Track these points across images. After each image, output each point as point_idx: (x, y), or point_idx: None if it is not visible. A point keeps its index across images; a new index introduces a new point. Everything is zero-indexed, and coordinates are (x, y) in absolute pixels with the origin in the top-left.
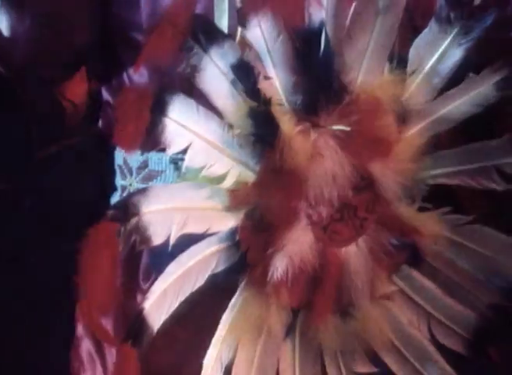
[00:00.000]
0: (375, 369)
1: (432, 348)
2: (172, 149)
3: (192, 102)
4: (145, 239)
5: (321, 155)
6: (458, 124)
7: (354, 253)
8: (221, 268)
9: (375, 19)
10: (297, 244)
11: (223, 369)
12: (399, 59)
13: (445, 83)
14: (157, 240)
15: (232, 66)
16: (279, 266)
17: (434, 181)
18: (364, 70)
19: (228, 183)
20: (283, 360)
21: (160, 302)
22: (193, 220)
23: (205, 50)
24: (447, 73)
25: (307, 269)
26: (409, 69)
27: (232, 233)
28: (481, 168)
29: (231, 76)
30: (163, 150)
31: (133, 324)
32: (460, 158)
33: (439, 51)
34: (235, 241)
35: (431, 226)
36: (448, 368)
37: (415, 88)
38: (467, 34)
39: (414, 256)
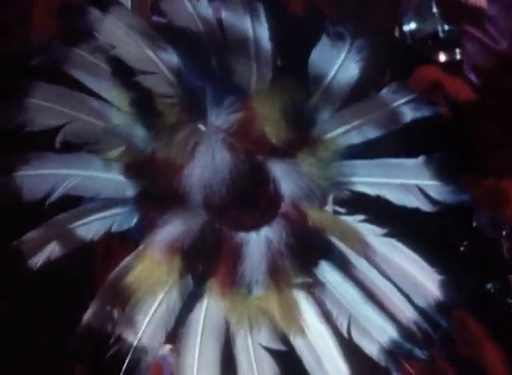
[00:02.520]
0: (283, 348)
1: (335, 344)
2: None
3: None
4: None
5: (210, 146)
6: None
7: (253, 240)
8: (116, 229)
9: None
10: (187, 223)
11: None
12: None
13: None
14: (29, 197)
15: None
16: (168, 236)
17: (353, 188)
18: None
19: (114, 156)
20: (188, 324)
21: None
22: (81, 185)
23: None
24: (347, 86)
25: (196, 244)
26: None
27: (128, 201)
28: (402, 185)
29: (108, 69)
30: None
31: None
32: (378, 170)
33: (337, 64)
34: (131, 208)
35: (340, 229)
36: (344, 367)
37: (319, 97)
38: (360, 52)
39: (334, 253)
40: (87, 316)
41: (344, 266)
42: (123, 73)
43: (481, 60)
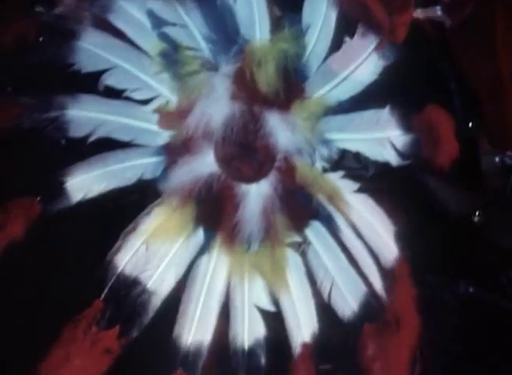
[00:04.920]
0: (273, 309)
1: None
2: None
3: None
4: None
5: (218, 97)
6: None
7: (253, 192)
8: (147, 177)
9: None
10: (197, 169)
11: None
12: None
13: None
14: (75, 133)
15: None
16: (181, 183)
17: (339, 145)
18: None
19: (151, 107)
20: (195, 276)
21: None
22: (119, 129)
23: None
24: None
25: (206, 192)
26: (304, 24)
27: (161, 150)
28: (377, 139)
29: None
30: None
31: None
32: (361, 125)
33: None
34: (162, 157)
35: (326, 188)
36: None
37: (314, 46)
38: None
39: (323, 214)
40: (112, 254)
41: (331, 228)
42: (157, 24)
43: None
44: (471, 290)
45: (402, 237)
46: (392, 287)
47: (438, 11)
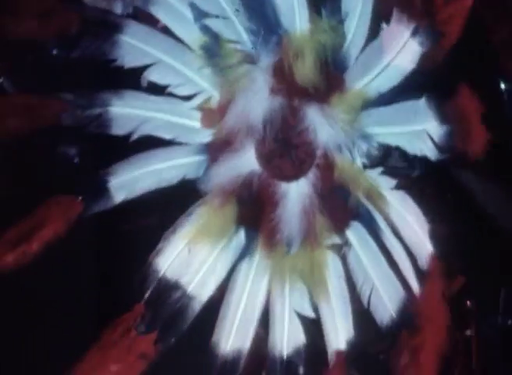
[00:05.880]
0: (313, 315)
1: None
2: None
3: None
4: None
5: (258, 91)
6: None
7: (293, 192)
8: (190, 177)
9: None
10: (237, 167)
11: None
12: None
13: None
14: (117, 131)
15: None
16: (221, 181)
17: (379, 140)
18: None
19: (194, 103)
20: (236, 280)
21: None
22: (162, 127)
23: None
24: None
25: (247, 191)
26: (343, 12)
27: (203, 148)
28: (415, 132)
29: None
30: None
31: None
32: (399, 117)
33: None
34: (204, 156)
35: (365, 186)
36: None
37: (353, 35)
38: None
39: (363, 214)
40: (152, 256)
41: (372, 229)
42: (199, 17)
43: None
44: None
45: (437, 236)
46: (424, 288)
47: None
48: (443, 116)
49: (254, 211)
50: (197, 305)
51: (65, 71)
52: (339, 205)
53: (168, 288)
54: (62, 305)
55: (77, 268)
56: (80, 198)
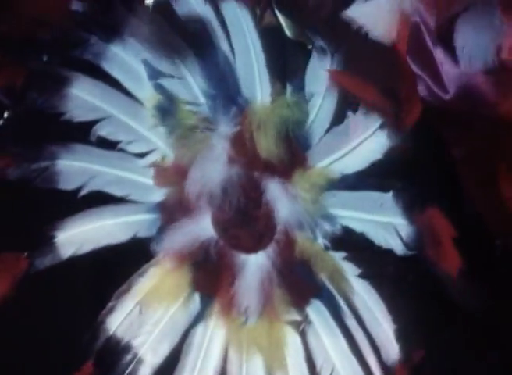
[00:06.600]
0: None
1: None
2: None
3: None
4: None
5: (216, 159)
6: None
7: (251, 264)
8: (141, 235)
9: None
10: (194, 232)
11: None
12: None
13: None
14: (65, 185)
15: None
16: (176, 244)
17: (343, 222)
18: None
19: (146, 161)
20: (190, 345)
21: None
22: (113, 183)
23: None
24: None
25: (203, 257)
26: (307, 91)
27: (156, 207)
28: (383, 223)
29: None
30: None
31: None
32: (365, 204)
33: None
34: (157, 215)
35: (328, 267)
36: None
37: (316, 115)
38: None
39: (325, 293)
40: (103, 315)
41: (333, 310)
42: (154, 75)
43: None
44: None
45: (403, 338)
46: None
47: None
48: (412, 220)
49: (210, 278)
50: (149, 370)
51: (10, 124)
52: (300, 282)
53: (118, 349)
54: (8, 366)
55: (22, 327)
56: (26, 254)
